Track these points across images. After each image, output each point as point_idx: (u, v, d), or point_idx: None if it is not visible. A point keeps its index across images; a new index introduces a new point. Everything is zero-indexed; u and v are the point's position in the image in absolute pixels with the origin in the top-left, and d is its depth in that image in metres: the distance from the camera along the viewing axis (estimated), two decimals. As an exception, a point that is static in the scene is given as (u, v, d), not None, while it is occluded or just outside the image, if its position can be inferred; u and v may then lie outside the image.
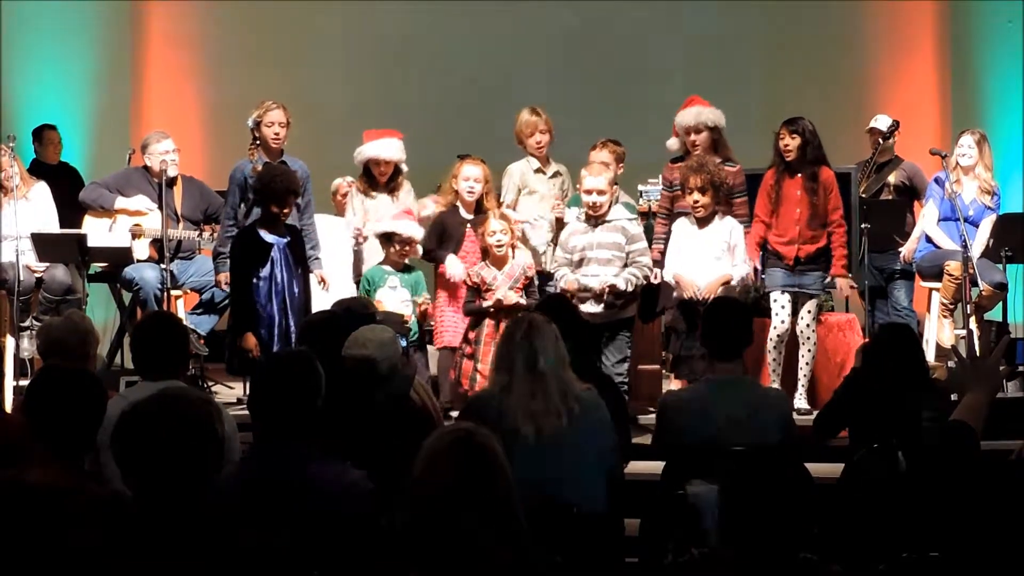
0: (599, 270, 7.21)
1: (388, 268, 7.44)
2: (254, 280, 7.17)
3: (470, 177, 7.63)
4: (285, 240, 7.25)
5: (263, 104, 8.08)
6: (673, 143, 7.86)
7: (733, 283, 7.30)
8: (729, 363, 5.19)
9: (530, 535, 2.95)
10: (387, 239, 7.44)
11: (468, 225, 7.65)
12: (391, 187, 7.88)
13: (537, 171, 7.91)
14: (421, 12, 10.96)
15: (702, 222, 7.33)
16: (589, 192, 7.24)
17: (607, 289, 7.11)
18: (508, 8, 10.88)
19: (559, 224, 7.72)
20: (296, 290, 7.24)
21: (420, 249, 7.59)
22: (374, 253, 7.71)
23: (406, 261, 7.49)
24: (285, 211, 7.19)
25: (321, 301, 7.25)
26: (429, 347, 7.77)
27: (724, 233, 7.33)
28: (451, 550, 2.83)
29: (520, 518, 2.93)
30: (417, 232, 7.47)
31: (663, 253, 7.47)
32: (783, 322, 7.46)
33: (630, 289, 7.18)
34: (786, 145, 7.41)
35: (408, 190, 7.96)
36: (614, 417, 5.05)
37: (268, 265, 7.17)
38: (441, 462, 2.87)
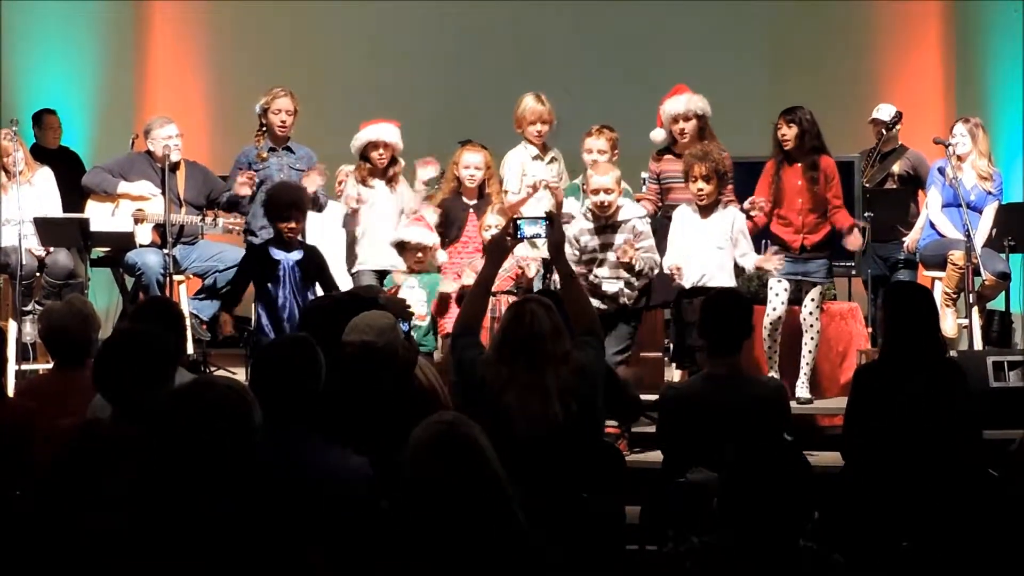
0: (609, 273, 7.18)
1: (405, 272, 7.43)
2: (262, 296, 7.17)
3: (471, 164, 7.62)
4: (296, 258, 7.19)
5: (271, 91, 8.10)
6: (657, 134, 7.83)
7: (749, 269, 7.30)
8: (727, 356, 5.18)
9: (524, 521, 2.95)
10: (401, 247, 7.43)
11: (471, 211, 7.64)
12: (388, 177, 7.84)
13: (535, 158, 7.87)
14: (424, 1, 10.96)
15: (704, 211, 7.30)
16: (596, 192, 7.17)
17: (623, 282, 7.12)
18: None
19: (559, 207, 7.69)
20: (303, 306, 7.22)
21: (440, 256, 7.53)
22: (377, 245, 7.67)
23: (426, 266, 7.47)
24: (291, 226, 7.13)
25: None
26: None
27: (727, 223, 7.30)
28: (446, 540, 2.83)
29: (512, 504, 2.93)
30: (429, 239, 7.42)
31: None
32: (775, 309, 7.43)
33: (645, 270, 7.13)
34: (784, 135, 7.39)
35: (405, 184, 7.93)
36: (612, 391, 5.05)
37: (276, 283, 7.14)
38: (427, 456, 2.88)
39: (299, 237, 7.26)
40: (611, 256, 7.18)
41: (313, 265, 7.24)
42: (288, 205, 7.13)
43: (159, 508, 3.08)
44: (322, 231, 8.14)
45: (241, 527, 3.07)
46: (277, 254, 7.18)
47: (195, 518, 3.04)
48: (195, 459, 3.10)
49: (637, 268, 7.08)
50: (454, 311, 7.34)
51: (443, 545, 2.83)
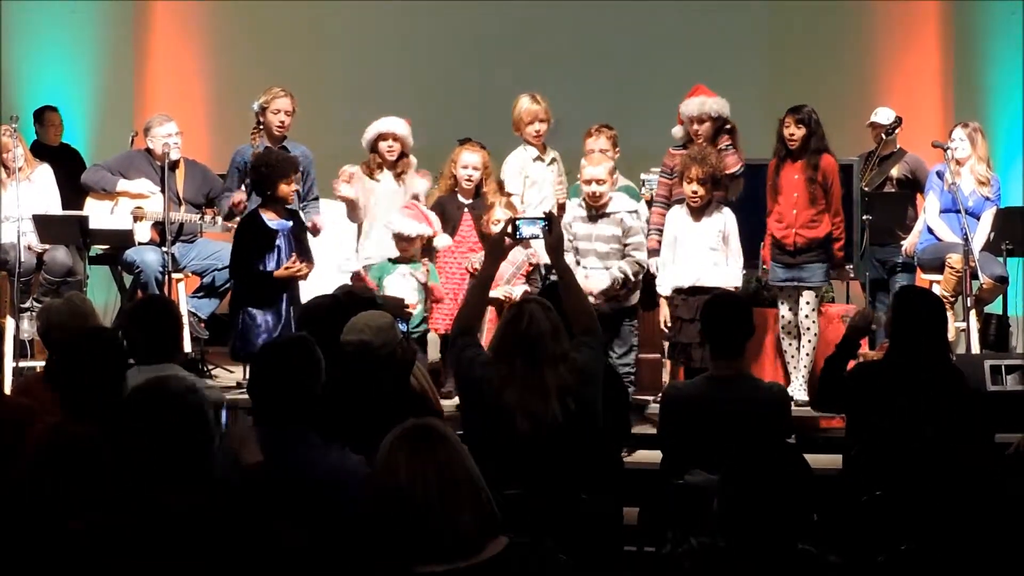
0: (597, 263, 7.23)
1: (398, 261, 7.46)
2: (260, 268, 7.18)
3: (468, 164, 7.64)
4: (289, 225, 7.26)
5: (270, 90, 8.10)
6: (678, 131, 7.87)
7: (736, 285, 7.32)
8: (730, 359, 5.18)
9: (500, 518, 2.96)
10: (395, 235, 7.47)
11: (466, 209, 7.66)
12: (397, 171, 7.87)
13: (536, 159, 7.90)
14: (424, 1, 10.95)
15: (697, 213, 7.34)
16: (588, 182, 7.27)
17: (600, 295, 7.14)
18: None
19: (561, 210, 7.71)
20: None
21: (440, 241, 7.56)
22: (384, 238, 7.69)
23: (417, 252, 7.50)
24: (287, 187, 7.18)
25: (324, 286, 7.25)
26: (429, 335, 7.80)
27: (719, 224, 7.33)
28: (425, 540, 2.83)
29: (489, 499, 2.93)
30: (416, 228, 7.44)
31: (659, 243, 7.50)
32: (783, 315, 7.51)
33: (616, 286, 7.21)
34: (791, 134, 7.40)
35: (413, 176, 7.96)
36: (614, 406, 5.03)
37: (275, 252, 7.16)
38: (392, 459, 2.89)
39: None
40: (598, 246, 7.23)
41: (300, 233, 7.33)
42: (289, 168, 7.22)
43: (123, 508, 3.09)
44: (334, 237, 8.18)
45: (206, 524, 3.08)
46: (274, 223, 7.21)
47: (160, 518, 3.05)
48: (153, 459, 3.12)
49: (606, 286, 7.16)
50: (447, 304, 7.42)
51: (415, 545, 2.84)
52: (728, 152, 7.56)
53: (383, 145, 7.82)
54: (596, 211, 7.32)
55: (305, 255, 7.36)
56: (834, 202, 7.46)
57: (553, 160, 7.98)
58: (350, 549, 3.49)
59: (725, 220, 7.35)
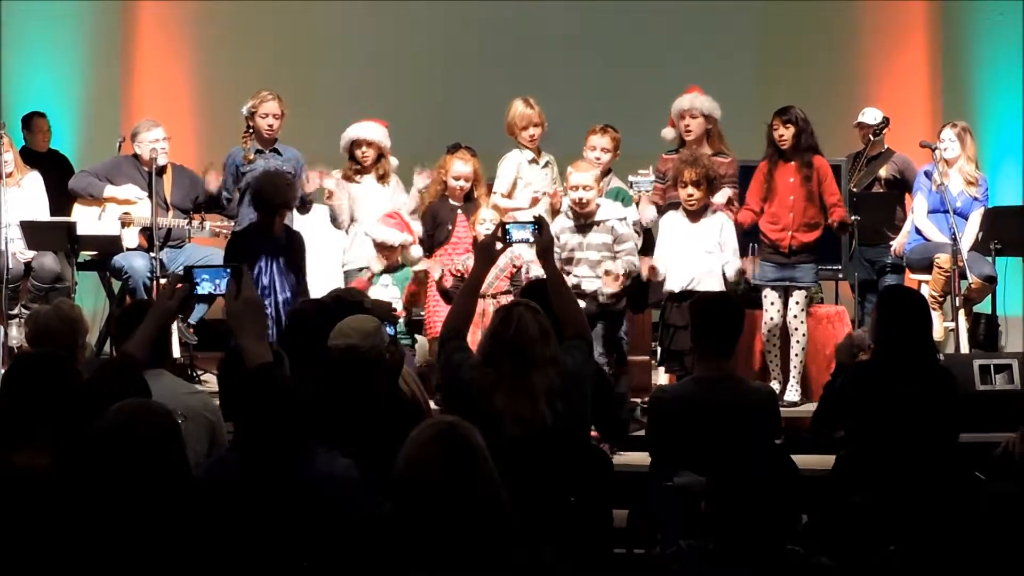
0: (589, 272, 7.21)
1: (382, 271, 7.46)
2: None
3: (460, 176, 7.65)
4: (279, 244, 7.22)
5: (259, 94, 8.11)
6: (668, 132, 7.89)
7: (731, 277, 7.28)
8: (718, 360, 5.17)
9: (516, 525, 2.95)
10: (373, 243, 7.48)
11: (459, 211, 7.66)
12: (380, 173, 7.89)
13: (531, 162, 7.91)
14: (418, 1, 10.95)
15: (693, 216, 7.32)
16: (575, 188, 7.22)
17: (608, 291, 7.11)
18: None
19: (555, 214, 7.70)
20: (286, 295, 7.21)
21: (415, 251, 7.56)
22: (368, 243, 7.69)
23: (399, 260, 7.50)
24: (276, 219, 7.17)
25: (315, 291, 7.25)
26: (420, 338, 7.79)
27: (715, 228, 7.30)
28: (438, 542, 2.82)
29: (506, 508, 2.92)
30: (394, 237, 7.43)
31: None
32: (772, 318, 7.51)
33: (631, 271, 7.17)
34: (781, 135, 7.43)
35: (397, 181, 7.98)
36: (603, 407, 5.07)
37: (255, 270, 7.13)
38: (423, 455, 2.87)
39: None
40: (590, 255, 7.20)
41: (295, 254, 7.30)
42: (280, 206, 7.17)
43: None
44: (312, 232, 8.15)
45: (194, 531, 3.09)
46: (259, 242, 7.19)
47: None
48: (124, 486, 3.13)
49: (621, 271, 7.11)
50: (435, 308, 7.39)
51: (434, 547, 2.82)
52: (729, 181, 7.54)
53: (358, 152, 7.88)
54: (584, 219, 7.27)
55: (295, 271, 7.30)
56: (830, 197, 7.47)
57: (547, 164, 7.99)
58: (341, 553, 3.49)
59: (722, 224, 7.32)
